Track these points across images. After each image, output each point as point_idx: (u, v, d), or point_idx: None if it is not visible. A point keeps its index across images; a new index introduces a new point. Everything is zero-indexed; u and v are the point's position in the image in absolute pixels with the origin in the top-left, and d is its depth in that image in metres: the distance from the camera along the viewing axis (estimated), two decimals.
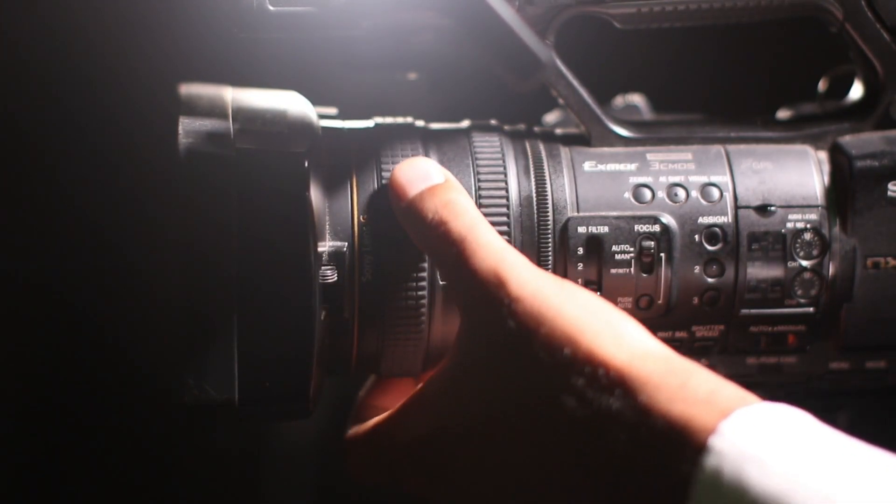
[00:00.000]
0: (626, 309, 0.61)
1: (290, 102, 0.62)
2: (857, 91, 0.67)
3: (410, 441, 0.58)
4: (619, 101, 0.72)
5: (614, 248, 0.61)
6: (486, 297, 0.55)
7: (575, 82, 0.63)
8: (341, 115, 0.66)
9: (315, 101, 0.64)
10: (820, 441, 0.47)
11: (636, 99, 0.71)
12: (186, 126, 0.58)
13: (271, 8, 0.58)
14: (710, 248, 0.62)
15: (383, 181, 0.61)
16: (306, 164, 0.57)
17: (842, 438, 0.48)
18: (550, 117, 0.71)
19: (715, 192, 0.62)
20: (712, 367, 0.64)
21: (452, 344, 0.58)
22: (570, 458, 0.52)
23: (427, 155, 0.62)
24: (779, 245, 0.62)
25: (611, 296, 0.61)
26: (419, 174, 0.59)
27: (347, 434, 0.62)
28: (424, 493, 0.58)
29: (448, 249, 0.57)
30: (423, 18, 0.58)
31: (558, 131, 0.65)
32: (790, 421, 0.48)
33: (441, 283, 0.60)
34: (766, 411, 0.49)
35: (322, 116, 0.64)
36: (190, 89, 0.62)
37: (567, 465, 0.52)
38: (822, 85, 0.70)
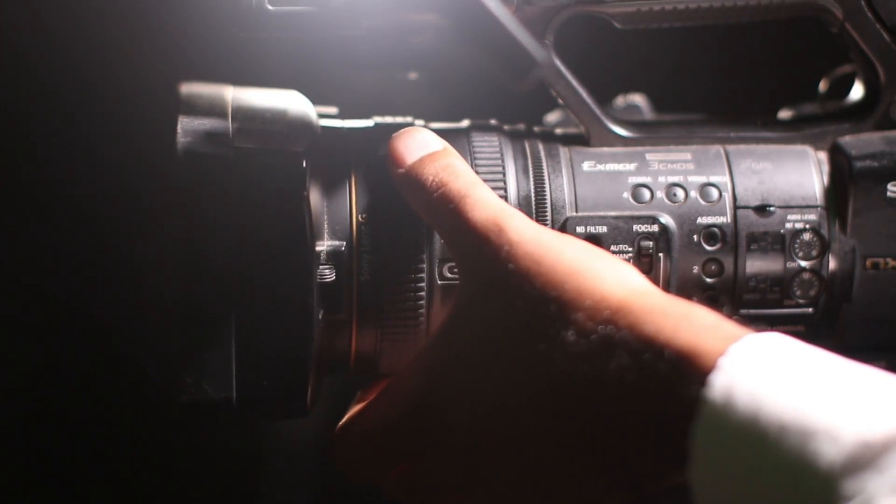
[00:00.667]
0: None
1: (291, 102, 0.62)
2: (857, 91, 0.67)
3: (403, 414, 0.57)
4: (621, 100, 0.72)
5: (613, 248, 0.61)
6: (485, 245, 0.56)
7: (574, 82, 0.63)
8: (342, 115, 0.66)
9: (316, 101, 0.64)
10: (829, 362, 0.48)
11: (637, 99, 0.71)
12: (185, 125, 0.58)
13: (270, 7, 0.58)
14: (708, 248, 0.62)
15: (382, 181, 0.61)
16: (304, 164, 0.57)
17: (849, 363, 0.48)
18: (552, 117, 0.71)
19: (714, 193, 0.62)
20: None
21: (452, 301, 0.58)
22: (571, 393, 0.52)
23: None
24: (778, 245, 0.62)
25: None
26: (418, 142, 0.60)
27: (336, 428, 0.61)
28: (409, 481, 0.58)
29: (447, 207, 0.57)
30: (421, 18, 0.58)
31: (558, 131, 0.66)
32: (798, 347, 0.49)
33: (440, 282, 0.60)
34: (773, 338, 0.49)
35: (322, 116, 0.64)
36: (191, 88, 0.62)
37: (568, 400, 0.53)
38: (823, 85, 0.70)
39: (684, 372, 0.49)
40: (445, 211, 0.57)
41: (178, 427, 0.62)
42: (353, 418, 0.60)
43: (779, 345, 0.49)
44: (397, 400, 0.58)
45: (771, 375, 0.47)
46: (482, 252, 0.56)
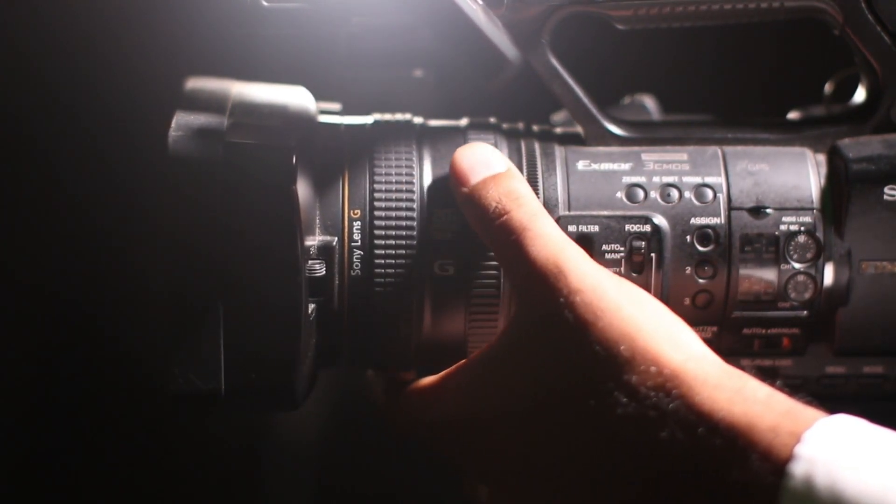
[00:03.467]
0: None
1: (292, 97, 0.63)
2: (860, 94, 0.67)
3: (453, 416, 0.58)
4: (628, 101, 0.71)
5: (604, 247, 0.61)
6: (544, 287, 0.56)
7: (570, 81, 0.63)
8: (346, 111, 0.66)
9: (322, 97, 0.64)
10: None
11: (646, 100, 0.71)
12: (180, 120, 0.59)
13: (265, 4, 0.59)
14: (701, 249, 0.61)
15: (375, 177, 0.61)
16: (294, 159, 0.58)
17: None
18: (558, 117, 0.71)
19: (708, 193, 0.62)
20: None
21: (504, 327, 0.58)
22: (620, 454, 0.53)
23: (420, 152, 0.62)
24: (772, 247, 0.61)
25: None
26: (481, 161, 0.60)
27: (380, 398, 0.63)
28: (462, 462, 0.59)
29: (508, 238, 0.57)
30: (405, 16, 0.58)
31: (557, 130, 0.66)
32: (867, 430, 0.49)
33: (431, 278, 0.61)
34: (845, 423, 0.49)
35: (324, 112, 0.65)
36: (195, 83, 0.63)
37: (615, 462, 0.53)
38: (828, 87, 0.69)
39: (741, 449, 0.49)
40: (506, 241, 0.57)
41: (167, 418, 0.63)
42: (422, 393, 0.60)
43: (852, 429, 0.49)
44: (445, 403, 0.59)
45: (849, 464, 0.47)
46: (540, 292, 0.56)
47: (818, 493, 0.47)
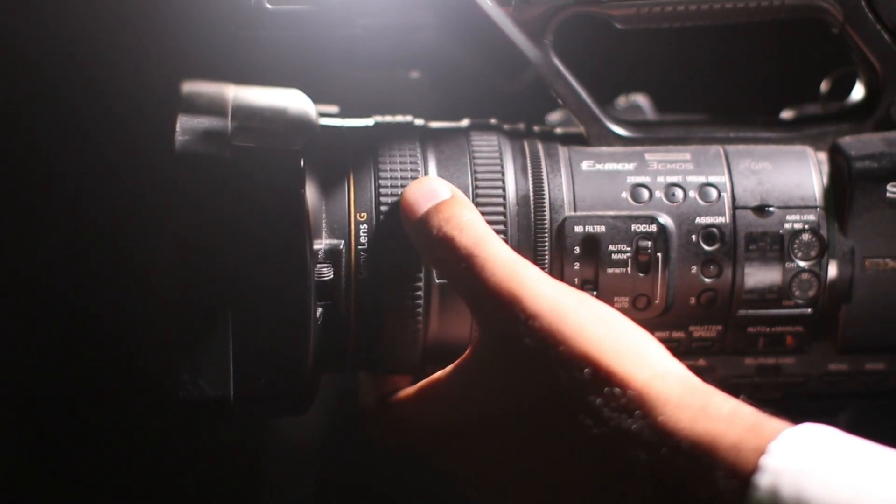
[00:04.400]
0: (622, 309, 0.61)
1: (291, 100, 0.63)
2: (858, 92, 0.67)
3: (431, 425, 0.58)
4: (623, 100, 0.72)
5: (611, 247, 0.61)
6: (501, 314, 0.55)
7: (573, 82, 0.63)
8: (343, 114, 0.66)
9: (317, 99, 0.64)
10: (869, 456, 0.48)
11: (640, 99, 0.71)
12: (184, 124, 0.58)
13: (269, 6, 0.58)
14: (707, 248, 0.61)
15: (380, 179, 0.61)
16: (302, 162, 0.57)
17: (889, 451, 0.48)
18: (554, 117, 0.71)
19: (713, 193, 0.62)
20: (710, 367, 0.64)
21: (471, 341, 0.58)
22: (586, 475, 0.53)
23: (425, 154, 0.62)
24: (776, 246, 0.62)
25: (607, 296, 0.61)
26: (426, 192, 0.59)
27: (366, 403, 0.62)
28: (444, 470, 0.59)
29: (457, 266, 0.57)
30: (417, 17, 0.58)
31: (558, 131, 0.66)
32: (835, 439, 0.49)
33: (438, 281, 0.60)
34: (810, 431, 0.49)
35: (322, 115, 0.64)
36: (192, 87, 0.62)
37: (582, 482, 0.53)
38: (824, 86, 0.70)
39: (706, 467, 0.49)
40: (455, 269, 0.57)
41: (176, 424, 0.62)
42: (394, 406, 0.60)
43: (819, 438, 0.49)
44: (420, 417, 0.59)
45: (816, 473, 0.47)
46: (498, 319, 0.55)
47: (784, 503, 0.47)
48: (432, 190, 0.59)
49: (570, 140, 0.64)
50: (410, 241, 0.60)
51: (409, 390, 0.60)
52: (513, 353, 0.55)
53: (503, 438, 0.55)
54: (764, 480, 0.47)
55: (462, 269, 0.57)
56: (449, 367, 0.58)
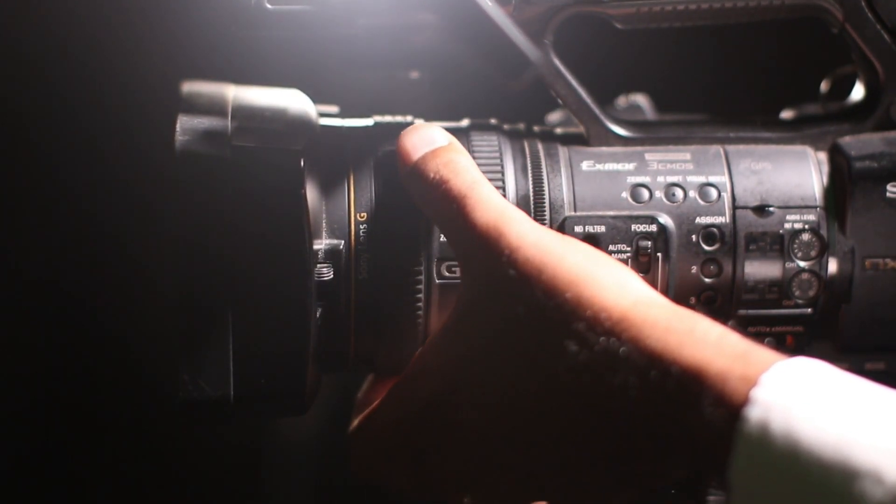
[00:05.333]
0: None
1: (291, 100, 0.63)
2: (858, 92, 0.67)
3: (410, 414, 0.58)
4: (622, 100, 0.71)
5: (611, 247, 0.61)
6: (486, 249, 0.55)
7: (573, 82, 0.63)
8: (343, 114, 0.66)
9: (317, 100, 0.64)
10: (861, 393, 0.47)
11: (640, 99, 0.71)
12: (184, 124, 0.58)
13: (269, 6, 0.58)
14: (707, 248, 0.61)
15: (380, 180, 0.61)
16: (302, 162, 0.57)
17: (882, 389, 0.48)
18: (553, 117, 0.71)
19: (713, 193, 0.62)
20: None
21: (450, 310, 0.58)
22: (576, 403, 0.52)
23: None
24: (776, 245, 0.62)
25: None
26: (424, 139, 0.60)
27: (349, 430, 0.62)
28: (423, 476, 0.58)
29: (449, 206, 0.57)
30: (417, 17, 0.58)
31: (558, 131, 0.65)
32: (828, 374, 0.48)
33: (438, 281, 0.60)
34: (804, 366, 0.48)
35: (322, 115, 0.64)
36: (192, 87, 0.62)
37: (572, 411, 0.52)
38: (824, 86, 0.70)
39: (693, 391, 0.49)
40: (446, 210, 0.57)
41: (176, 425, 0.62)
42: (365, 420, 0.60)
43: (811, 373, 0.48)
44: (408, 399, 0.58)
45: (807, 409, 0.46)
46: (483, 255, 0.56)
47: (773, 439, 0.46)
48: (430, 136, 0.60)
49: (571, 140, 0.64)
50: (408, 191, 0.60)
51: (384, 395, 0.60)
52: (498, 287, 0.55)
53: (491, 386, 0.55)
54: (754, 413, 0.47)
55: (453, 209, 0.57)
56: (431, 336, 0.58)
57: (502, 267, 0.55)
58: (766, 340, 0.63)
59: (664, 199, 0.62)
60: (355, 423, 0.61)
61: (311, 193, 0.59)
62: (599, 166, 0.62)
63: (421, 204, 0.59)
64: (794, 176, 0.62)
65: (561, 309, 0.53)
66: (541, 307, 0.53)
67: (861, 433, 0.45)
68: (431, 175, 0.58)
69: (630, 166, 0.62)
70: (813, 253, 0.62)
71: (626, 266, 0.56)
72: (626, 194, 0.62)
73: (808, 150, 0.64)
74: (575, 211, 0.61)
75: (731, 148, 0.63)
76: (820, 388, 0.47)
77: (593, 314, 0.52)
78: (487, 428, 0.55)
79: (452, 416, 0.56)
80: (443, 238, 0.60)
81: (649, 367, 0.50)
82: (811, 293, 0.62)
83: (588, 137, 0.64)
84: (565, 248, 0.55)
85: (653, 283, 0.61)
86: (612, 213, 0.61)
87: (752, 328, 0.62)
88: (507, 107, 0.70)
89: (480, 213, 0.56)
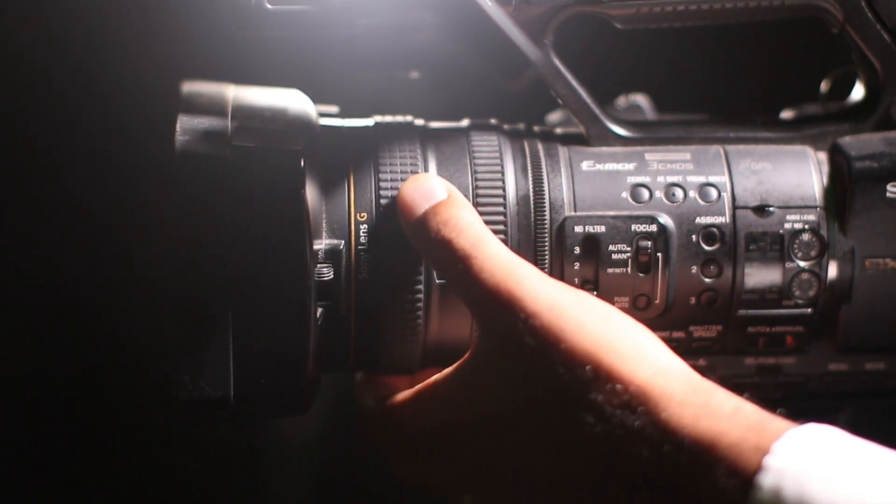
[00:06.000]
0: (622, 309, 0.61)
1: (291, 100, 0.63)
2: (858, 92, 0.67)
3: (434, 426, 0.58)
4: (622, 100, 0.71)
5: (611, 247, 0.61)
6: (500, 314, 0.55)
7: (573, 82, 0.63)
8: (343, 114, 0.66)
9: (317, 100, 0.64)
10: (873, 458, 0.48)
11: (640, 99, 0.71)
12: (184, 124, 0.58)
13: (269, 6, 0.58)
14: (707, 248, 0.61)
15: (381, 180, 0.61)
16: (302, 162, 0.57)
17: (892, 453, 0.48)
18: (553, 117, 0.71)
19: (713, 193, 0.62)
20: (710, 367, 0.64)
21: (471, 342, 0.58)
22: (587, 472, 0.53)
23: (425, 154, 0.62)
24: (777, 246, 0.62)
25: (607, 296, 0.61)
26: (423, 192, 0.59)
27: (364, 405, 0.62)
28: (435, 479, 0.59)
29: (455, 267, 0.57)
30: (418, 17, 0.58)
31: (558, 131, 0.65)
32: (839, 440, 0.49)
33: (438, 280, 0.60)
34: (814, 432, 0.49)
35: (322, 115, 0.64)
36: (192, 87, 0.62)
37: (583, 479, 0.53)
38: (824, 86, 0.70)
39: (707, 462, 0.49)
40: (454, 271, 0.57)
41: (176, 425, 0.62)
42: (385, 409, 0.60)
43: (823, 439, 0.49)
44: (417, 418, 0.59)
45: (819, 475, 0.47)
46: (496, 317, 0.55)
47: None
48: (429, 189, 0.59)
49: (571, 140, 0.64)
50: (414, 247, 0.59)
51: (407, 393, 0.60)
52: (513, 352, 0.55)
53: (503, 438, 0.55)
54: (767, 480, 0.47)
55: (460, 270, 0.57)
56: (448, 369, 0.58)
57: (518, 333, 0.54)
58: (765, 340, 0.63)
59: (664, 199, 0.62)
60: (372, 404, 0.61)
61: (312, 193, 0.59)
62: (599, 166, 0.62)
63: (427, 261, 0.59)
64: (794, 176, 0.62)
65: (579, 381, 0.53)
66: (559, 378, 0.53)
67: (872, 497, 0.46)
68: (433, 235, 0.58)
69: (630, 166, 0.62)
70: (813, 253, 0.62)
71: (642, 327, 0.56)
72: (626, 194, 0.62)
73: (808, 150, 0.64)
74: (575, 211, 0.61)
75: (731, 148, 0.63)
76: (831, 454, 0.48)
77: (611, 387, 0.52)
78: (489, 473, 0.56)
79: (458, 449, 0.57)
80: None
81: (663, 441, 0.50)
82: (811, 293, 0.62)
83: (588, 137, 0.64)
84: (582, 312, 0.55)
85: (652, 283, 0.61)
86: (612, 213, 0.61)
87: (752, 328, 0.63)
88: (507, 107, 0.70)
89: (488, 275, 0.56)
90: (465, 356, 0.58)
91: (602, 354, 0.53)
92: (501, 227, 0.61)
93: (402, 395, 0.60)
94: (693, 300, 0.62)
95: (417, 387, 0.59)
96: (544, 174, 0.62)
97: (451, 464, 0.58)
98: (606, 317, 0.55)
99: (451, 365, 0.62)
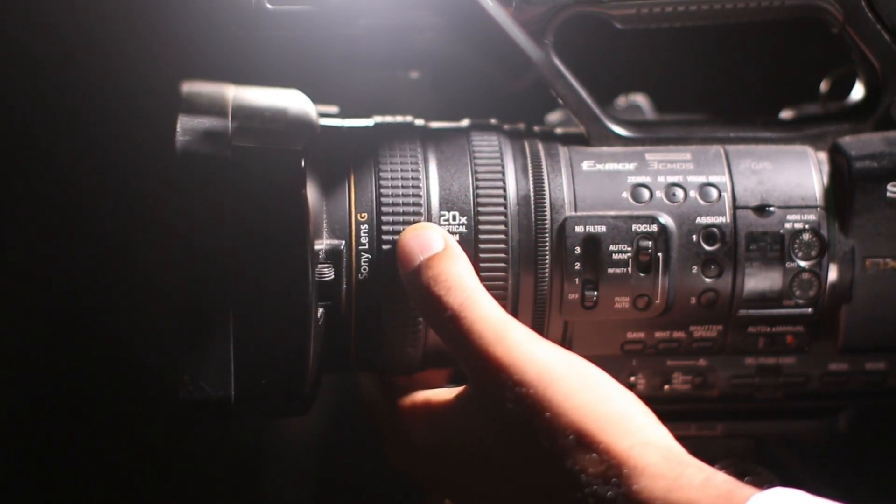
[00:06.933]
0: (623, 309, 0.61)
1: (291, 101, 0.63)
2: (857, 92, 0.67)
3: (415, 442, 0.59)
4: (622, 100, 0.72)
5: (611, 247, 0.61)
6: (487, 378, 0.56)
7: (574, 82, 0.63)
8: (343, 114, 0.66)
9: (317, 100, 0.64)
10: None
11: (639, 99, 0.71)
12: (185, 124, 0.58)
13: (269, 6, 0.58)
14: (707, 248, 0.61)
15: (381, 180, 0.61)
16: (303, 163, 0.57)
17: None
18: (553, 117, 0.71)
19: (713, 192, 0.62)
20: (710, 367, 0.64)
21: (463, 388, 0.58)
22: None
23: (426, 154, 0.62)
24: (777, 245, 0.62)
25: (608, 296, 0.61)
26: (420, 243, 0.59)
27: (376, 407, 0.63)
28: (421, 479, 0.60)
29: (446, 326, 0.57)
30: (418, 17, 0.58)
31: (558, 131, 0.65)
32: (803, 503, 0.50)
33: None
34: (779, 497, 0.50)
35: (322, 115, 0.64)
36: (192, 87, 0.62)
37: None
38: (823, 86, 0.70)
39: None
40: (444, 329, 0.57)
41: (177, 425, 0.62)
42: (396, 421, 0.61)
43: (787, 502, 0.50)
44: (410, 432, 0.60)
45: None
46: (484, 382, 0.56)
47: None
48: (426, 240, 0.59)
49: (571, 140, 0.64)
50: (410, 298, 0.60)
51: (419, 402, 0.60)
52: (497, 415, 0.56)
53: (480, 476, 0.57)
54: None
55: (450, 329, 0.57)
56: (453, 393, 0.59)
57: (504, 400, 0.55)
58: (765, 340, 0.63)
59: (665, 199, 0.62)
60: (388, 419, 0.62)
61: (312, 194, 0.59)
62: (600, 166, 0.62)
63: (420, 312, 0.60)
64: (794, 176, 0.62)
65: (558, 449, 0.54)
66: (538, 447, 0.54)
67: None
68: (425, 289, 0.58)
69: (630, 166, 0.62)
70: (813, 253, 0.62)
71: (630, 395, 0.56)
72: (626, 194, 0.62)
73: (809, 149, 0.64)
74: (576, 211, 0.61)
75: (731, 148, 0.63)
76: None
77: (590, 457, 0.53)
78: (470, 493, 0.58)
79: (440, 468, 0.58)
80: None
81: None
82: (811, 293, 0.62)
83: (588, 137, 0.64)
84: (571, 382, 0.55)
85: (653, 283, 0.61)
86: (612, 212, 0.61)
87: (753, 328, 0.63)
88: (507, 107, 0.70)
89: (476, 337, 0.56)
90: (460, 391, 0.58)
91: (584, 425, 0.54)
92: (502, 227, 0.61)
93: (412, 401, 0.61)
94: (693, 300, 0.62)
95: (427, 400, 0.60)
96: (545, 174, 0.62)
97: (435, 477, 0.59)
98: (594, 386, 0.56)
99: (450, 366, 0.63)
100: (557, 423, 0.54)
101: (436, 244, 0.59)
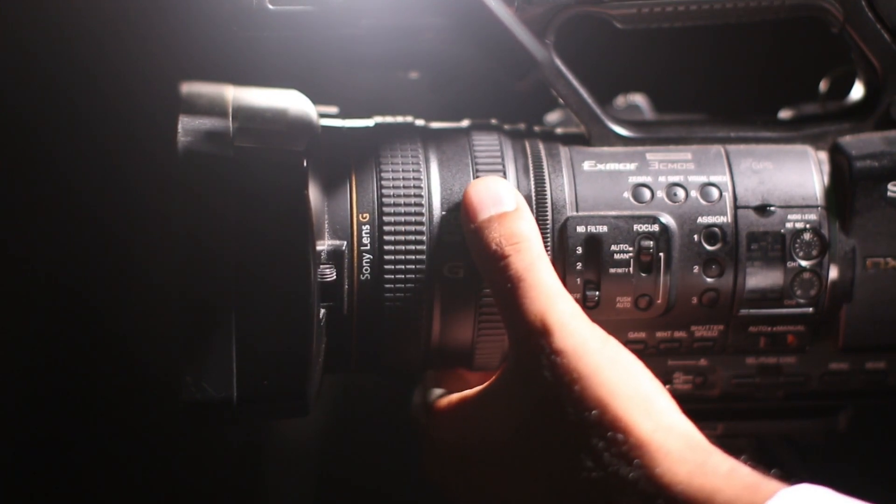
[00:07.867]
0: (624, 309, 0.61)
1: (291, 101, 0.63)
2: (857, 91, 0.67)
3: (445, 440, 0.60)
4: (621, 100, 0.72)
5: (613, 247, 0.61)
6: (529, 342, 0.56)
7: (574, 82, 0.63)
8: (342, 114, 0.66)
9: (317, 100, 0.64)
10: None
11: (638, 99, 0.71)
12: (186, 125, 0.58)
13: (270, 7, 0.58)
14: (709, 247, 0.62)
15: (382, 180, 0.61)
16: (305, 163, 0.57)
17: None
18: (552, 117, 0.71)
19: (714, 192, 0.62)
20: (711, 367, 0.64)
21: (500, 366, 0.59)
22: None
23: (427, 154, 0.62)
24: (778, 245, 0.62)
25: (610, 296, 0.61)
26: (491, 197, 0.59)
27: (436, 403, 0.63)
28: (445, 487, 0.60)
29: (504, 286, 0.58)
30: (421, 18, 0.58)
31: (558, 131, 0.66)
32: (830, 499, 0.50)
33: (444, 279, 0.61)
34: (806, 493, 0.50)
35: (322, 115, 0.64)
36: (191, 88, 0.62)
37: None
38: (823, 85, 0.70)
39: None
40: (503, 288, 0.58)
41: (179, 426, 0.62)
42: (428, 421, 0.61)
43: (813, 499, 0.49)
44: (440, 431, 0.60)
45: None
46: (526, 346, 0.56)
47: None
48: (498, 196, 0.60)
49: (572, 140, 0.64)
50: (469, 247, 0.60)
51: (454, 400, 0.61)
52: (532, 383, 0.56)
53: (506, 465, 0.56)
54: None
55: (508, 290, 0.57)
56: (479, 387, 0.59)
57: (540, 367, 0.55)
58: (766, 340, 0.63)
59: (666, 199, 0.62)
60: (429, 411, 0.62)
61: (314, 194, 0.59)
62: (601, 166, 0.62)
63: (478, 265, 0.60)
64: (795, 175, 0.62)
65: (584, 424, 0.54)
66: (566, 418, 0.54)
67: None
68: (493, 246, 0.58)
69: (631, 166, 0.62)
70: (814, 252, 0.62)
71: (658, 384, 0.56)
72: (627, 194, 0.62)
73: (809, 149, 0.64)
74: (577, 211, 0.61)
75: (731, 148, 0.63)
76: None
77: (613, 435, 0.53)
78: (493, 494, 0.57)
79: (466, 467, 0.58)
80: (446, 239, 0.60)
81: (656, 495, 0.51)
82: (812, 293, 0.62)
83: (589, 137, 0.64)
84: (603, 359, 0.55)
85: (654, 283, 0.61)
86: (613, 213, 0.61)
87: (754, 328, 0.63)
88: (507, 107, 0.70)
89: (530, 302, 0.57)
90: (496, 375, 0.58)
91: (610, 402, 0.54)
92: None
93: (441, 402, 0.61)
94: (695, 300, 0.62)
95: (454, 399, 0.60)
96: (546, 174, 0.62)
97: (459, 479, 0.59)
98: (625, 367, 0.56)
99: (451, 366, 0.63)
100: (584, 397, 0.54)
101: (508, 201, 0.59)
